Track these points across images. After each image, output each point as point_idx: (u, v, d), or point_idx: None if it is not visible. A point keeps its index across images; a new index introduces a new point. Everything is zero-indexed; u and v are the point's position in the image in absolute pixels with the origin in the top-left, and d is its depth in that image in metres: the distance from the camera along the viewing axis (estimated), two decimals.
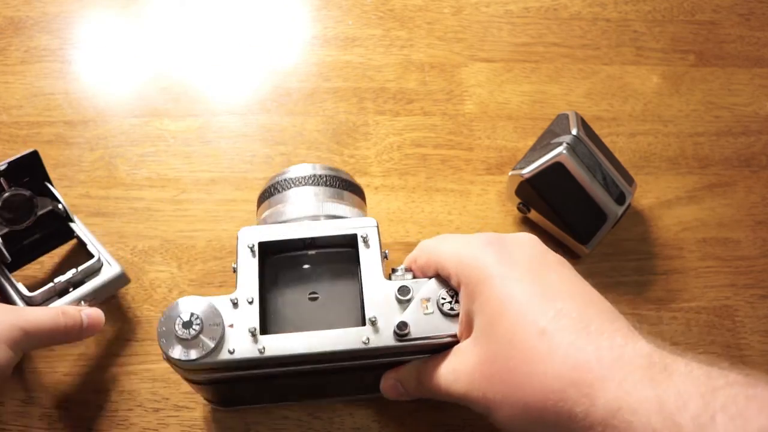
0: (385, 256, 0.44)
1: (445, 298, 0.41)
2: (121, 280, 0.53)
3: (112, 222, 0.60)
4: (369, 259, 0.43)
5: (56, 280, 0.50)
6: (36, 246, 0.54)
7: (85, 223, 0.56)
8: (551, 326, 0.34)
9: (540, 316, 0.35)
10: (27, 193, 0.51)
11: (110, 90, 0.67)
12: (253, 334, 0.40)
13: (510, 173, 0.59)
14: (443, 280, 0.42)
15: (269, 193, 0.50)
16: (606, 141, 0.61)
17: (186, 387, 0.52)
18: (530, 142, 0.64)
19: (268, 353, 0.40)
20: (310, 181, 0.49)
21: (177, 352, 0.39)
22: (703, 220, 0.63)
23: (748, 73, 0.72)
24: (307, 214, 0.47)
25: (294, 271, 0.45)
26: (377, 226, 0.45)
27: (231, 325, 0.40)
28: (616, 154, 0.61)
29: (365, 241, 0.44)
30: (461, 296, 0.40)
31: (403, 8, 0.74)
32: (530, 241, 0.40)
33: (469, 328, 0.39)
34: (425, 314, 0.41)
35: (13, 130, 0.64)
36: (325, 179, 0.49)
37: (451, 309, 0.41)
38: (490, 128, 0.67)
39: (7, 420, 0.50)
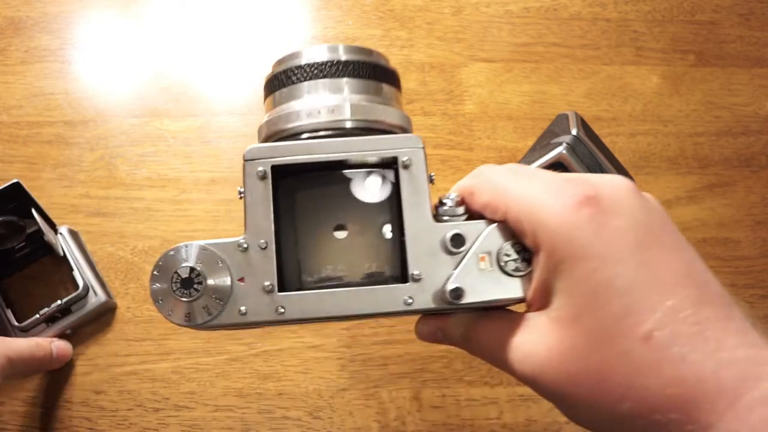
0: (430, 181, 0.36)
1: (509, 255, 0.34)
2: (107, 305, 0.55)
3: (112, 222, 0.60)
4: (412, 191, 0.35)
5: (41, 311, 0.53)
6: (26, 257, 0.59)
7: (85, 224, 0.57)
8: (660, 332, 0.28)
9: (646, 316, 0.28)
10: (14, 219, 0.54)
11: (110, 90, 0.67)
12: (269, 291, 0.34)
13: None
14: (508, 228, 0.34)
15: (278, 82, 0.39)
16: (606, 141, 0.61)
17: (186, 387, 0.52)
18: (530, 142, 0.64)
19: (289, 315, 0.34)
20: (333, 71, 0.38)
21: (177, 316, 0.34)
22: (703, 220, 0.63)
23: (748, 73, 0.72)
24: (330, 121, 0.37)
25: (315, 196, 0.37)
26: (423, 148, 0.36)
27: (241, 279, 0.34)
28: (616, 154, 0.61)
29: (407, 167, 0.35)
30: (539, 262, 0.32)
31: (403, 8, 0.74)
32: (632, 198, 0.32)
33: (544, 299, 0.32)
34: (481, 271, 0.34)
35: (13, 130, 0.64)
36: (354, 67, 0.38)
37: (516, 270, 0.34)
38: (490, 128, 0.68)
39: (7, 420, 0.50)
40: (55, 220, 0.57)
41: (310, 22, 0.73)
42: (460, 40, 0.72)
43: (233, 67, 0.70)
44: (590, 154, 0.56)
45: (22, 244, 0.56)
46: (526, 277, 0.34)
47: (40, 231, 0.55)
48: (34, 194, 0.53)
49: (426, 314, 0.37)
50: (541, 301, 0.33)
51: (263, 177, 0.35)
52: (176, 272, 0.33)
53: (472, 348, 0.36)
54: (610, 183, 0.32)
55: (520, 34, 0.73)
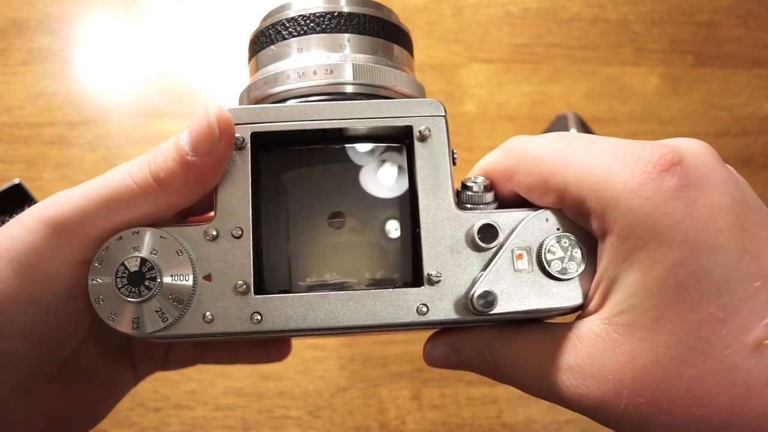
0: (453, 161, 0.28)
1: (553, 252, 0.26)
2: None
3: None
4: (430, 171, 0.27)
5: None
6: None
7: None
8: None
9: (755, 319, 0.22)
10: None
11: (111, 91, 0.68)
12: (243, 293, 0.26)
13: None
14: (558, 217, 0.27)
15: (264, 39, 0.31)
16: None
17: (187, 386, 0.52)
18: None
19: (267, 325, 0.26)
20: (333, 24, 0.30)
21: (122, 321, 0.26)
22: None
23: (747, 73, 0.73)
24: (327, 84, 0.29)
25: (305, 175, 0.29)
26: (445, 116, 0.28)
27: (207, 277, 0.26)
28: None
29: (424, 139, 0.27)
30: (606, 250, 0.25)
31: (403, 9, 0.74)
32: (721, 167, 0.25)
33: (603, 299, 0.25)
34: (517, 272, 0.26)
35: (14, 131, 0.64)
36: (359, 21, 0.30)
37: (563, 271, 0.26)
38: (489, 129, 0.68)
39: None
40: None
41: None
42: (459, 41, 0.73)
43: (233, 67, 0.70)
44: None
45: None
46: (575, 281, 0.26)
47: None
48: (35, 194, 0.54)
49: (443, 327, 0.30)
50: (600, 301, 0.25)
51: (240, 146, 0.27)
52: (123, 264, 0.25)
53: (499, 373, 0.28)
54: (691, 146, 0.25)
55: (519, 35, 0.73)
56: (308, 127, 0.27)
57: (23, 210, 0.27)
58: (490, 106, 0.69)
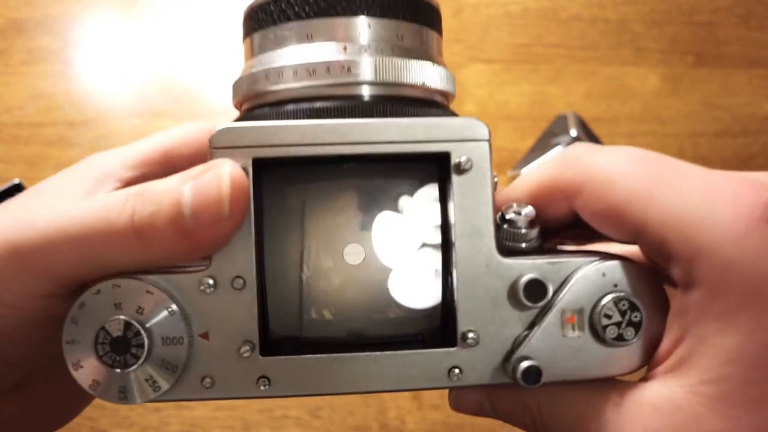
0: (494, 186, 0.24)
1: (610, 316, 0.23)
2: None
3: None
4: (469, 209, 0.23)
5: None
6: None
7: None
8: None
9: None
10: None
11: (111, 91, 0.68)
12: (248, 355, 0.23)
13: (509, 173, 0.59)
14: (616, 269, 0.23)
15: (259, 18, 0.26)
16: (605, 141, 0.61)
17: None
18: (530, 143, 0.65)
19: (276, 392, 0.23)
20: (351, 5, 0.24)
21: (106, 391, 0.22)
22: None
23: (747, 74, 0.73)
24: (337, 85, 0.24)
25: (318, 203, 0.25)
26: (489, 139, 0.24)
27: (205, 335, 0.23)
28: None
29: (464, 171, 0.23)
30: (690, 303, 0.21)
31: None
32: None
33: (682, 360, 0.22)
34: (566, 338, 0.23)
35: (15, 131, 0.64)
36: (382, 1, 0.25)
37: (619, 338, 0.23)
38: (489, 129, 0.68)
39: None
40: None
41: None
42: (459, 41, 0.73)
43: (233, 67, 0.70)
44: None
45: None
46: (633, 347, 0.23)
47: None
48: None
49: None
50: (679, 362, 0.21)
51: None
52: (103, 329, 0.21)
53: (543, 429, 0.24)
54: None
55: (519, 35, 0.73)
56: (321, 153, 0.23)
57: None
58: (490, 107, 0.69)
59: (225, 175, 0.21)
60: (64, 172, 0.27)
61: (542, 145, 0.59)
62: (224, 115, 0.65)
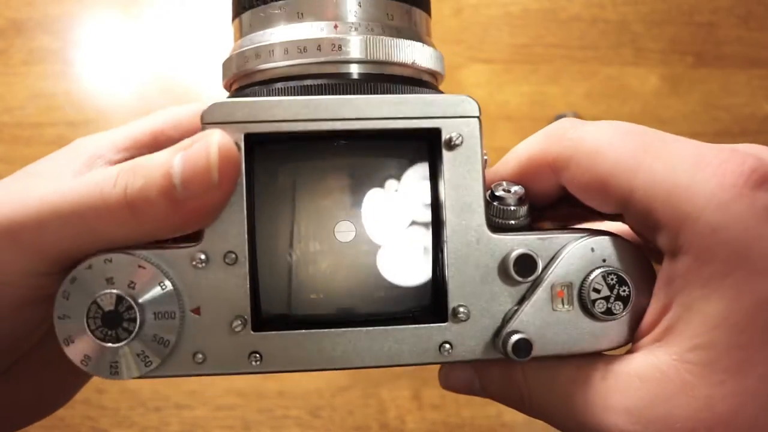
0: (485, 164, 0.24)
1: (598, 290, 0.23)
2: None
3: None
4: (459, 185, 0.23)
5: None
6: None
7: None
8: None
9: None
10: None
11: (112, 91, 0.68)
12: (239, 330, 0.23)
13: None
14: (605, 243, 0.23)
15: None
16: None
17: (188, 385, 0.52)
18: None
19: (268, 366, 0.23)
20: None
21: (98, 365, 0.22)
22: None
23: (746, 74, 0.73)
24: (326, 63, 0.24)
25: (309, 179, 0.25)
26: (479, 116, 0.24)
27: (196, 310, 0.23)
28: None
29: (454, 147, 0.23)
30: (678, 271, 0.21)
31: None
32: None
33: (669, 329, 0.22)
34: (556, 312, 0.23)
35: (15, 131, 0.64)
36: None
37: (607, 312, 0.23)
38: (489, 129, 0.68)
39: None
40: None
41: None
42: (459, 42, 0.73)
43: None
44: None
45: None
46: (622, 320, 0.23)
47: None
48: None
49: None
50: (666, 331, 0.22)
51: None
52: (95, 302, 0.22)
53: (535, 408, 0.25)
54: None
55: (519, 36, 0.74)
56: (312, 128, 0.23)
57: None
58: (490, 107, 0.69)
59: (213, 144, 0.21)
60: (53, 154, 0.27)
61: None
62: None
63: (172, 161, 0.21)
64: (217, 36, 0.72)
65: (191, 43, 0.71)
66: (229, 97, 0.26)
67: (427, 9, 0.27)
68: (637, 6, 0.76)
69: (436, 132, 0.23)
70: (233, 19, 0.27)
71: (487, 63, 0.72)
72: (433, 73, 0.26)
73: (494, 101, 0.69)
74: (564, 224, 0.28)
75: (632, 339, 0.23)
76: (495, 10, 0.75)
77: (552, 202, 0.25)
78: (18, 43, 0.69)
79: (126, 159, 0.26)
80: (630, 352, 0.23)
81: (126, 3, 0.73)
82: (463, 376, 0.26)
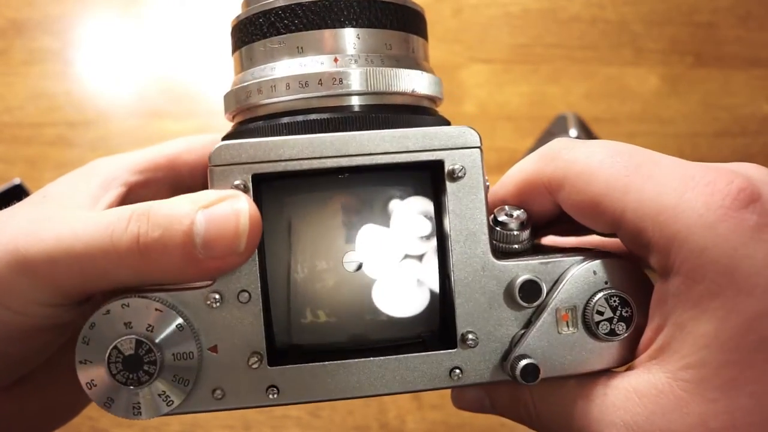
0: (487, 190, 0.25)
1: (601, 313, 0.24)
2: None
3: None
4: (463, 215, 0.24)
5: None
6: None
7: None
8: None
9: None
10: None
11: (112, 91, 0.68)
12: (256, 367, 0.23)
13: None
14: (606, 266, 0.24)
15: (246, 32, 0.26)
16: None
17: None
18: (529, 143, 0.65)
19: (285, 398, 0.24)
20: (339, 16, 0.25)
21: (121, 407, 0.23)
22: None
23: (746, 74, 0.73)
24: (327, 97, 0.24)
25: (316, 213, 0.25)
26: (480, 146, 0.25)
27: (214, 348, 0.23)
28: None
29: (457, 179, 0.24)
30: (671, 294, 0.22)
31: None
32: None
33: (663, 347, 0.22)
34: (561, 335, 0.24)
35: (15, 131, 0.64)
36: (371, 12, 0.25)
37: (611, 333, 0.24)
38: (489, 129, 0.68)
39: None
40: None
41: None
42: (459, 42, 0.73)
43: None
44: None
45: None
46: (624, 341, 0.24)
47: None
48: None
49: None
50: (660, 349, 0.22)
51: (243, 191, 0.23)
52: (115, 347, 0.22)
53: (541, 424, 0.25)
54: (760, 174, 0.22)
55: (519, 36, 0.74)
56: (318, 166, 0.23)
57: None
58: (490, 107, 0.69)
59: (243, 212, 0.22)
60: (70, 175, 0.27)
61: (542, 145, 0.59)
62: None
63: (194, 217, 0.22)
64: (217, 36, 0.72)
65: (191, 43, 0.71)
66: (232, 130, 0.27)
67: (423, 35, 0.27)
68: (637, 6, 0.76)
69: (439, 164, 0.24)
70: (233, 52, 0.27)
71: (487, 63, 0.72)
72: (432, 99, 0.27)
73: (494, 101, 0.69)
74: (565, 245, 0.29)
75: (634, 357, 0.24)
76: (495, 10, 0.75)
77: (552, 219, 0.26)
78: (18, 43, 0.69)
79: (141, 181, 0.27)
80: (629, 368, 0.23)
81: (126, 3, 0.73)
82: (474, 396, 0.27)
